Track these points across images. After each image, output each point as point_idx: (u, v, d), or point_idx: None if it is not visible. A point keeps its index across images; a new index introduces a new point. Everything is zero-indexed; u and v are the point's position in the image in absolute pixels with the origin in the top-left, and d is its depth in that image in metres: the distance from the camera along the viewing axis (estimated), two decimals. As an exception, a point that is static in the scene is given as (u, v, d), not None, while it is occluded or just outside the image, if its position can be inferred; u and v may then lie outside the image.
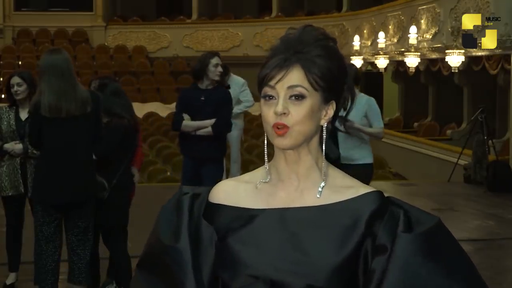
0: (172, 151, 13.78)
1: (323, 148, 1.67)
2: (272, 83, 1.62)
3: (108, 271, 5.81)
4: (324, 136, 1.66)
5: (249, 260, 1.61)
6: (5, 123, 5.77)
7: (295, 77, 1.61)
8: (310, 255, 1.59)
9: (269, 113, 1.62)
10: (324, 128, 1.66)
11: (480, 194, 11.28)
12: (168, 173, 12.53)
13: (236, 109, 8.90)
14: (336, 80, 1.64)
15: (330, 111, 1.66)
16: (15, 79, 5.77)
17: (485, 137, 11.99)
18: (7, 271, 5.99)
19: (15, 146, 5.68)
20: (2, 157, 5.74)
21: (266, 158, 1.70)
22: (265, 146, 1.69)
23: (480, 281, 1.67)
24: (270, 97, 1.62)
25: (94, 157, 5.33)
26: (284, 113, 1.60)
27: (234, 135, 9.32)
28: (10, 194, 5.75)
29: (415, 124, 17.84)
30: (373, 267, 1.59)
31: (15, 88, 5.73)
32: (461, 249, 1.67)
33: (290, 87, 1.61)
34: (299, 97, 1.61)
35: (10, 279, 5.96)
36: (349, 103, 1.70)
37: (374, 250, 1.60)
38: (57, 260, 5.06)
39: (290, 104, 1.60)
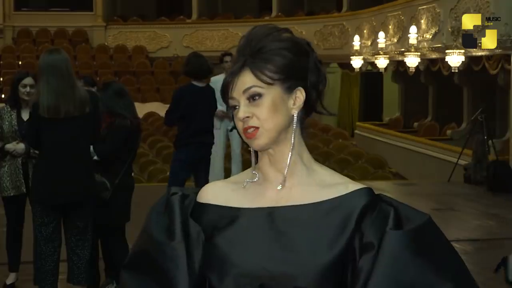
0: (172, 151, 13.76)
1: (297, 137, 1.65)
2: (230, 93, 1.63)
3: (106, 271, 5.81)
4: (295, 127, 1.64)
5: (236, 260, 1.59)
6: (7, 123, 5.72)
7: (246, 79, 1.62)
8: (299, 255, 1.57)
9: (238, 122, 1.63)
10: (295, 118, 1.64)
11: (480, 194, 11.27)
12: (168, 173, 12.52)
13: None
14: (294, 67, 1.63)
15: (299, 99, 1.64)
16: (29, 80, 5.63)
17: (485, 137, 11.99)
18: (7, 271, 5.98)
19: (17, 146, 5.64)
20: (4, 157, 5.72)
21: (252, 160, 1.69)
22: (251, 149, 1.68)
23: (469, 280, 1.64)
24: (235, 107, 1.63)
25: (96, 157, 5.33)
26: (248, 117, 1.61)
27: (235, 135, 9.31)
28: (12, 194, 5.73)
29: (415, 124, 17.82)
30: (360, 266, 1.57)
31: (28, 89, 5.60)
32: (451, 247, 1.65)
33: (245, 90, 1.62)
34: (255, 96, 1.61)
35: (10, 279, 5.95)
36: (321, 85, 1.68)
37: (361, 248, 1.57)
38: (57, 260, 5.05)
39: (250, 106, 1.61)
